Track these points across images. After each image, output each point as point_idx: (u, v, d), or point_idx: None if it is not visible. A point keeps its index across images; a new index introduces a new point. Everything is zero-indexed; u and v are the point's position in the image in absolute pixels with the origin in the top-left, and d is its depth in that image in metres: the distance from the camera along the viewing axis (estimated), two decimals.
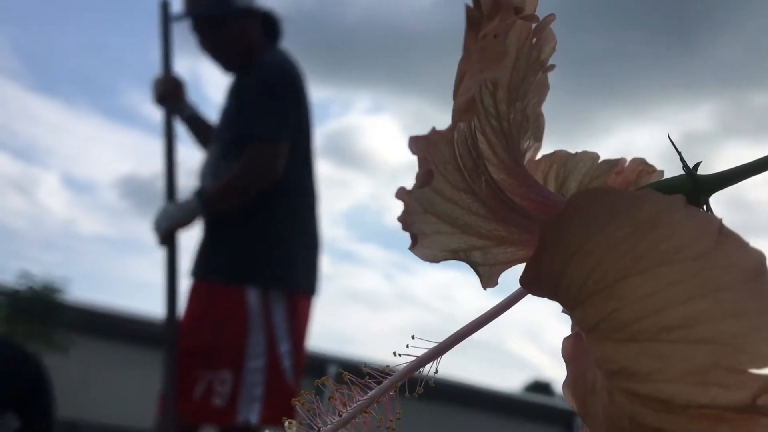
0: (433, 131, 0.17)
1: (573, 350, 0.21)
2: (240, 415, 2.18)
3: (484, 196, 0.20)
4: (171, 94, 2.47)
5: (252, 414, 2.18)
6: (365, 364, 0.27)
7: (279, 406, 2.24)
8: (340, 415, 0.25)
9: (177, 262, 2.30)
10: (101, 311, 8.34)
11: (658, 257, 0.18)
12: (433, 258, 0.20)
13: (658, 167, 0.30)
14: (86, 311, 8.01)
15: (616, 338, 0.18)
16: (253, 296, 2.22)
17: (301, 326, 2.33)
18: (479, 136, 0.22)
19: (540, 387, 17.45)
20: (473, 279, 0.23)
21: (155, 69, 2.59)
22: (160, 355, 2.38)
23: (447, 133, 0.18)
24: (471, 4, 0.19)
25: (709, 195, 0.23)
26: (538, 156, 0.28)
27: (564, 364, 0.22)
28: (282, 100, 2.25)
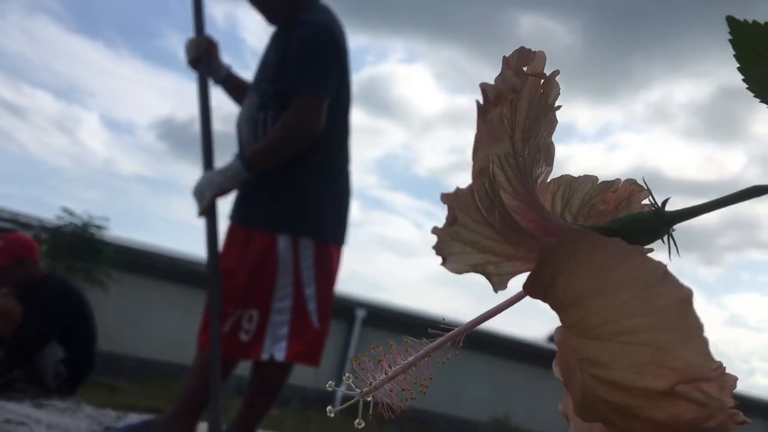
0: (457, 189, 0.26)
1: (561, 338, 0.30)
2: (265, 352, 2.29)
3: (497, 225, 0.28)
4: (204, 54, 2.50)
5: (278, 351, 2.29)
6: (406, 337, 0.35)
7: (304, 345, 2.35)
8: (386, 373, 0.33)
9: (217, 230, 2.37)
10: (140, 249, 8.55)
11: (618, 284, 0.26)
12: (458, 271, 0.28)
13: (695, 123, 0.36)
14: (126, 249, 8.21)
15: (585, 336, 0.27)
16: (283, 243, 2.32)
17: (329, 273, 2.41)
18: (497, 171, 0.30)
19: None
20: None
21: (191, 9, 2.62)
22: (197, 293, 2.50)
23: (468, 188, 0.26)
24: (481, 100, 0.27)
25: (671, 227, 0.31)
26: (549, 179, 0.36)
27: (557, 347, 0.31)
28: (326, 60, 2.29)
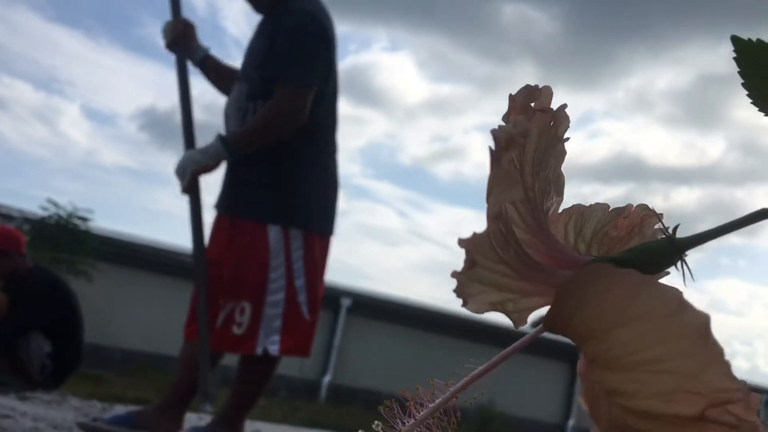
0: (474, 234, 0.27)
1: (585, 371, 0.30)
2: (259, 345, 2.29)
3: (513, 262, 0.29)
4: (181, 36, 2.50)
5: (271, 345, 2.29)
6: (431, 379, 0.35)
7: (296, 338, 2.35)
8: (415, 418, 0.33)
9: (201, 209, 2.38)
10: (124, 240, 8.51)
11: (637, 315, 0.27)
12: (478, 311, 0.29)
13: (676, 109, 0.37)
14: (109, 240, 8.17)
15: (609, 368, 0.27)
16: (273, 233, 2.32)
17: (318, 264, 2.41)
18: (509, 206, 0.31)
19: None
20: (484, 217, 0.30)
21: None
22: (182, 283, 2.49)
23: (484, 232, 0.27)
24: (493, 145, 0.28)
25: (684, 253, 0.32)
26: (561, 209, 0.37)
27: (581, 379, 0.32)
28: (313, 49, 2.29)
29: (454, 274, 0.27)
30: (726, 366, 0.26)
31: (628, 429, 0.28)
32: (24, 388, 3.88)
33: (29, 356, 3.95)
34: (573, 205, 0.37)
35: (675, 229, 0.32)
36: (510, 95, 0.31)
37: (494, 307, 0.30)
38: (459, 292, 0.28)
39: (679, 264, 0.32)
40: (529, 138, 0.30)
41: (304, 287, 2.35)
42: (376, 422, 0.33)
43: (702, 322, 0.26)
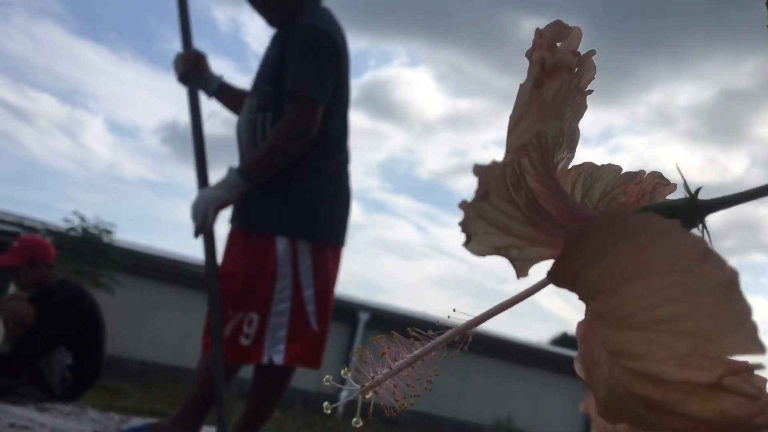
0: (492, 162, 0.24)
1: (584, 332, 0.27)
2: (265, 355, 2.29)
3: (523, 206, 0.26)
4: (193, 69, 2.49)
5: (276, 354, 2.29)
6: (412, 328, 0.32)
7: (302, 348, 2.34)
8: (390, 368, 0.31)
9: (216, 253, 2.31)
10: (144, 252, 8.56)
11: (654, 268, 0.24)
12: (480, 252, 0.26)
13: (698, 125, 0.34)
14: (130, 252, 8.22)
15: (618, 326, 0.24)
16: (281, 245, 2.32)
17: (327, 275, 2.40)
18: (534, 142, 0.28)
19: (568, 340, 17.57)
20: None
21: (198, 16, 2.63)
22: (200, 296, 2.49)
23: (501, 162, 0.24)
24: (539, 67, 0.25)
25: (705, 216, 0.29)
26: (570, 165, 0.34)
27: (578, 342, 0.28)
28: (323, 63, 2.29)
29: (462, 204, 0.25)
30: (752, 329, 0.23)
31: (631, 396, 0.25)
32: (43, 399, 3.88)
33: (50, 368, 3.95)
34: (583, 163, 0.34)
35: (698, 191, 0.29)
36: (537, 29, 0.28)
37: (498, 251, 0.27)
38: (464, 226, 0.25)
39: (699, 227, 0.29)
40: (560, 114, 0.28)
41: (313, 298, 2.34)
42: (345, 369, 0.30)
43: (728, 277, 0.23)
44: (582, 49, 0.30)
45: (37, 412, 3.46)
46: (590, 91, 0.32)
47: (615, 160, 0.35)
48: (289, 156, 2.27)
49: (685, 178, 0.30)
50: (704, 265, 0.23)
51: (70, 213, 7.63)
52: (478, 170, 0.24)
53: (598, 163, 0.35)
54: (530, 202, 0.27)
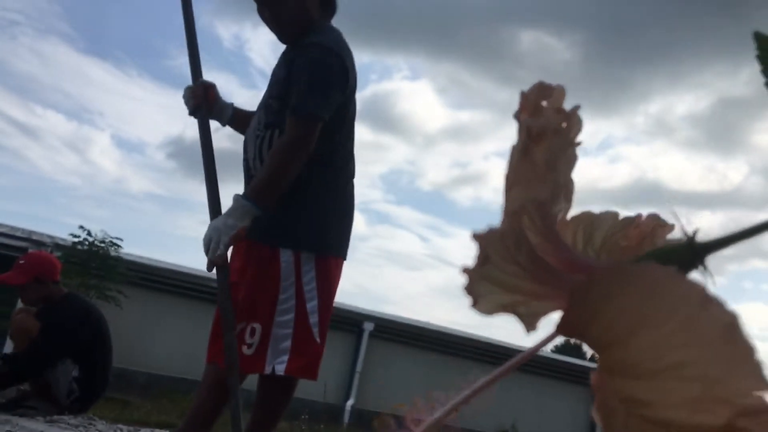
0: (490, 229, 0.25)
1: (599, 381, 0.28)
2: (268, 366, 2.30)
3: (525, 263, 0.27)
4: (203, 101, 2.51)
5: (279, 365, 2.30)
6: (430, 391, 0.33)
7: (304, 359, 2.35)
8: None
9: (230, 286, 2.31)
10: (151, 265, 8.58)
11: (656, 317, 0.25)
12: (488, 312, 0.27)
13: (696, 134, 0.35)
14: (137, 266, 8.25)
15: (628, 376, 0.25)
16: (285, 257, 2.34)
17: (330, 288, 2.42)
18: (529, 205, 0.29)
19: (571, 348, 17.53)
20: None
21: (202, 32, 2.66)
22: (207, 308, 2.51)
23: (500, 228, 0.26)
24: (524, 137, 0.26)
25: (704, 257, 0.30)
26: (569, 216, 0.35)
27: (594, 390, 0.30)
28: (329, 81, 2.32)
29: (465, 270, 0.26)
30: (757, 368, 0.24)
31: None
32: (51, 412, 3.90)
33: (57, 381, 3.97)
34: (582, 212, 0.35)
35: (695, 233, 0.30)
36: (521, 92, 0.30)
37: (505, 309, 0.28)
38: (469, 290, 0.26)
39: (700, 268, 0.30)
40: (548, 177, 0.29)
41: (317, 309, 2.36)
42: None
43: (729, 320, 0.24)
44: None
45: (46, 425, 3.47)
46: (579, 143, 0.33)
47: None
48: (292, 173, 2.29)
49: (682, 225, 0.31)
50: (706, 311, 0.24)
51: (77, 228, 7.65)
52: (477, 238, 0.25)
53: (596, 211, 0.36)
54: (532, 258, 0.28)
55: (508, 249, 0.26)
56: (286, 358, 2.31)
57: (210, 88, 2.56)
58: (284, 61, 2.46)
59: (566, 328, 0.27)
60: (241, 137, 2.60)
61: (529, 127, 0.26)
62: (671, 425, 0.25)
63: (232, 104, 2.64)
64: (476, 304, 0.27)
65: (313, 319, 2.36)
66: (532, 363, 10.18)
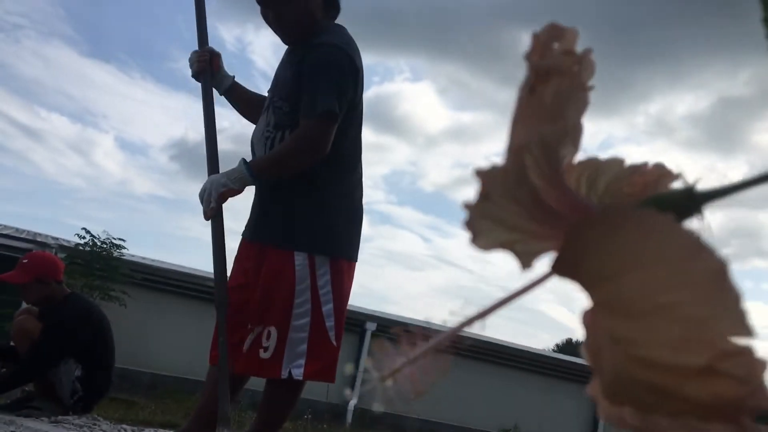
0: (493, 165, 0.25)
1: (589, 320, 0.29)
2: (284, 370, 2.30)
3: (525, 202, 0.28)
4: (208, 66, 2.56)
5: (295, 369, 2.30)
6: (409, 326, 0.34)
7: (321, 362, 2.35)
8: (407, 357, 0.32)
9: (223, 234, 2.41)
10: (155, 266, 8.60)
11: (651, 258, 0.25)
12: (485, 247, 0.28)
13: (696, 134, 0.35)
14: (141, 266, 8.27)
15: (618, 314, 0.26)
16: (300, 260, 2.34)
17: (343, 291, 2.44)
18: (534, 142, 0.29)
19: (573, 347, 17.48)
20: None
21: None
22: (211, 309, 2.52)
23: (502, 165, 0.26)
24: (532, 74, 0.26)
25: (702, 205, 0.30)
26: (575, 160, 0.35)
27: (584, 329, 0.30)
28: (340, 80, 2.32)
29: (466, 205, 0.26)
30: (742, 315, 0.25)
31: (632, 381, 0.26)
32: (56, 412, 3.90)
33: (60, 381, 3.98)
34: (588, 158, 0.35)
35: (695, 181, 0.31)
36: (533, 33, 0.30)
37: (502, 246, 0.28)
38: (469, 224, 0.27)
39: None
40: (554, 116, 0.29)
41: (333, 313, 2.36)
42: (366, 358, 0.32)
43: (719, 267, 0.25)
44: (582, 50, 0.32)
45: (51, 425, 3.47)
46: (592, 87, 0.33)
47: None
48: (300, 165, 2.30)
49: (685, 175, 0.31)
50: (698, 256, 0.25)
51: (81, 229, 7.67)
52: (480, 174, 0.25)
53: (602, 157, 0.36)
54: (533, 198, 0.28)
55: (509, 187, 0.26)
56: (302, 362, 2.31)
57: (215, 56, 2.60)
58: (289, 61, 2.46)
59: (561, 264, 0.27)
60: (245, 136, 2.62)
61: (537, 66, 0.27)
62: (655, 364, 0.25)
63: (233, 76, 2.67)
64: (475, 240, 0.27)
65: (329, 322, 2.37)
66: (534, 362, 10.18)
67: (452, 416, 9.49)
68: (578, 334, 0.32)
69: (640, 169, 0.36)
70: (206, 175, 2.46)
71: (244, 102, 2.68)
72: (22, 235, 8.31)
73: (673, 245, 0.25)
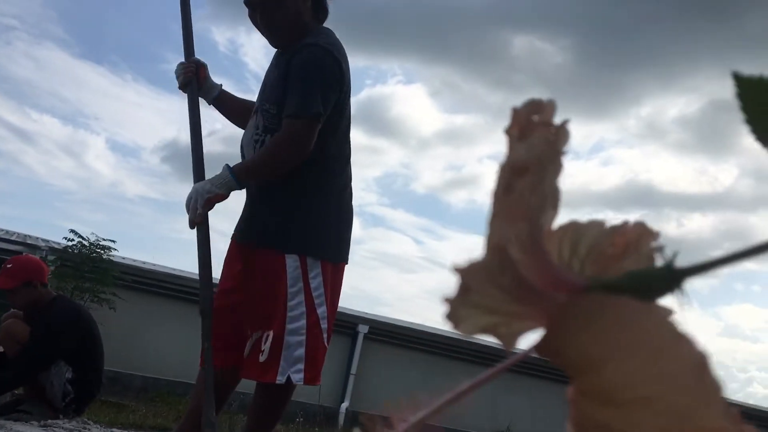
0: (471, 262, 0.25)
1: (573, 398, 0.29)
2: (281, 374, 2.30)
3: (507, 286, 0.28)
4: (194, 78, 2.58)
5: (296, 374, 2.30)
6: (414, 393, 0.33)
7: (317, 367, 2.35)
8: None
9: (209, 241, 2.41)
10: (146, 269, 8.57)
11: (630, 349, 0.25)
12: (468, 332, 0.28)
13: (687, 137, 0.36)
14: (132, 269, 8.24)
15: (600, 403, 0.26)
16: (291, 262, 2.34)
17: (335, 292, 2.43)
18: (511, 237, 0.29)
19: None
20: None
21: (197, 37, 2.71)
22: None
23: (482, 260, 0.26)
24: (505, 171, 0.26)
25: (683, 282, 0.30)
26: (555, 224, 0.35)
27: (569, 404, 0.30)
28: (324, 81, 2.32)
29: (446, 300, 0.26)
30: (723, 406, 0.25)
31: None
32: (45, 415, 3.89)
33: (52, 384, 3.97)
34: (569, 221, 0.35)
35: (675, 256, 0.31)
36: (513, 108, 0.30)
37: (485, 331, 0.28)
38: (450, 316, 0.27)
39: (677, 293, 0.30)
40: (529, 211, 0.29)
41: (326, 315, 2.36)
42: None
43: (699, 357, 0.25)
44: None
45: (41, 429, 3.46)
46: (566, 152, 0.33)
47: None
48: (283, 166, 2.31)
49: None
50: (678, 345, 0.25)
51: (68, 232, 7.63)
52: (459, 271, 0.26)
53: (582, 220, 0.36)
54: (515, 280, 0.28)
55: (490, 277, 0.27)
56: (302, 367, 2.31)
57: (201, 67, 2.61)
58: (277, 64, 2.46)
59: (543, 350, 0.27)
60: (236, 138, 2.62)
61: (514, 161, 0.27)
62: None
63: (220, 85, 2.68)
64: (457, 327, 0.27)
65: (324, 325, 2.37)
66: (527, 365, 10.21)
67: (445, 419, 9.51)
68: None
69: (620, 229, 0.37)
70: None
71: (233, 109, 2.69)
72: (13, 238, 8.27)
73: (653, 336, 0.25)
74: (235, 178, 2.31)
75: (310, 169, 2.34)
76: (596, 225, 0.37)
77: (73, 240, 7.45)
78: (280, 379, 2.29)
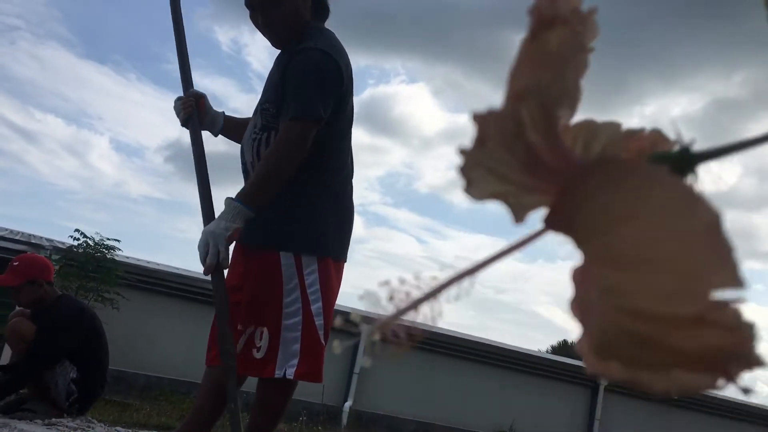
0: (490, 110, 0.25)
1: (580, 276, 0.28)
2: (278, 369, 2.30)
3: (519, 155, 0.27)
4: (194, 112, 2.54)
5: (290, 369, 2.30)
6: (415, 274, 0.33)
7: (311, 363, 2.35)
8: (398, 309, 0.31)
9: (225, 289, 2.32)
10: (150, 268, 8.57)
11: (645, 210, 0.25)
12: (479, 197, 0.27)
13: (690, 135, 0.35)
14: (136, 268, 8.23)
15: (611, 265, 0.26)
16: (286, 260, 2.33)
17: (332, 290, 2.42)
18: (531, 93, 0.29)
19: (568, 349, 17.47)
20: (501, 243, 0.30)
21: (201, 38, 2.68)
22: (206, 310, 2.51)
23: (500, 111, 0.25)
24: (535, 18, 0.26)
25: (697, 165, 0.30)
26: (572, 121, 0.35)
27: (574, 286, 0.29)
28: (322, 83, 2.30)
29: (462, 151, 0.26)
30: (733, 266, 0.25)
31: (622, 334, 0.26)
32: (50, 414, 3.89)
33: (56, 383, 3.97)
34: (584, 119, 0.35)
35: (691, 142, 0.30)
36: None
37: (495, 197, 0.28)
38: (464, 172, 0.26)
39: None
40: (556, 64, 0.28)
41: (321, 311, 2.36)
42: (354, 313, 0.31)
43: (713, 219, 0.25)
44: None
45: (45, 428, 3.45)
46: (592, 49, 0.33)
47: None
48: (285, 175, 2.28)
49: (682, 133, 0.31)
50: (693, 208, 0.25)
51: (74, 231, 7.61)
52: (477, 118, 0.25)
53: (598, 120, 0.36)
54: (528, 151, 0.28)
55: (506, 135, 0.26)
56: (295, 362, 2.30)
57: (200, 99, 2.58)
58: (278, 65, 2.45)
59: (555, 218, 0.27)
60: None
61: (540, 10, 0.26)
62: (645, 315, 0.25)
63: (222, 113, 2.66)
64: (469, 188, 0.27)
65: (319, 321, 2.36)
66: (529, 363, 10.19)
67: (448, 417, 9.48)
68: (573, 335, 0.31)
69: (636, 134, 0.36)
70: None
71: (241, 134, 2.65)
72: (17, 237, 8.27)
73: (669, 197, 0.25)
74: (242, 204, 2.27)
75: (308, 168, 2.34)
76: (612, 126, 0.36)
77: (78, 239, 7.46)
78: (278, 373, 2.29)
